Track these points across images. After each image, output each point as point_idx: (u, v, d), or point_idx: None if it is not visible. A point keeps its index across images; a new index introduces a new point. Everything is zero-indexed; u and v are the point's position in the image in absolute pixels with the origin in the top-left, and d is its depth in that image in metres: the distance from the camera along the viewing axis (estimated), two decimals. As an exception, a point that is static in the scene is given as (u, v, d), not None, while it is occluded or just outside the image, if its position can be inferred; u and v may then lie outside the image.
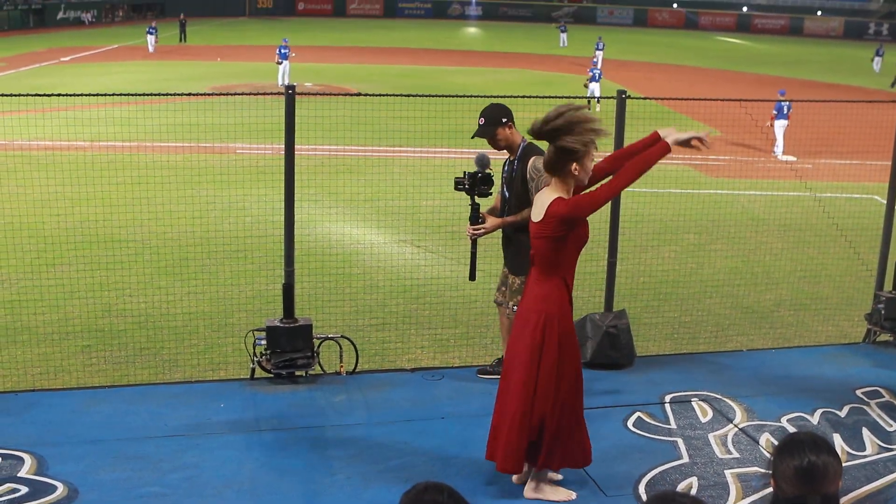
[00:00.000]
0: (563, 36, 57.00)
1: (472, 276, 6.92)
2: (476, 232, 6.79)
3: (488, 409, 5.74)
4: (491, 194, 6.81)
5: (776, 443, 6.34)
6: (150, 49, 44.59)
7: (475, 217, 6.79)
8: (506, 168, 7.06)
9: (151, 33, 45.44)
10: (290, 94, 6.74)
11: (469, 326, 9.76)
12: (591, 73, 30.40)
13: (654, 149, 5.17)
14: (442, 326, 9.81)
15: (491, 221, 6.86)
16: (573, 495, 5.58)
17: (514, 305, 6.87)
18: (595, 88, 29.65)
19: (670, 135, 5.27)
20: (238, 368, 8.36)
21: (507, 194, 7.01)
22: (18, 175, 16.79)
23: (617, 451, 6.17)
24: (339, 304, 10.40)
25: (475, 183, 6.67)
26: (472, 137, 6.97)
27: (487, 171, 6.69)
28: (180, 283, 11.15)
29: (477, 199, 6.74)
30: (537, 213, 5.18)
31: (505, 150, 7.01)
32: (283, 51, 31.96)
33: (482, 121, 6.89)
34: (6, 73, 34.05)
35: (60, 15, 69.04)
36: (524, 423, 5.27)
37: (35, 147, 18.85)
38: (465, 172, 6.72)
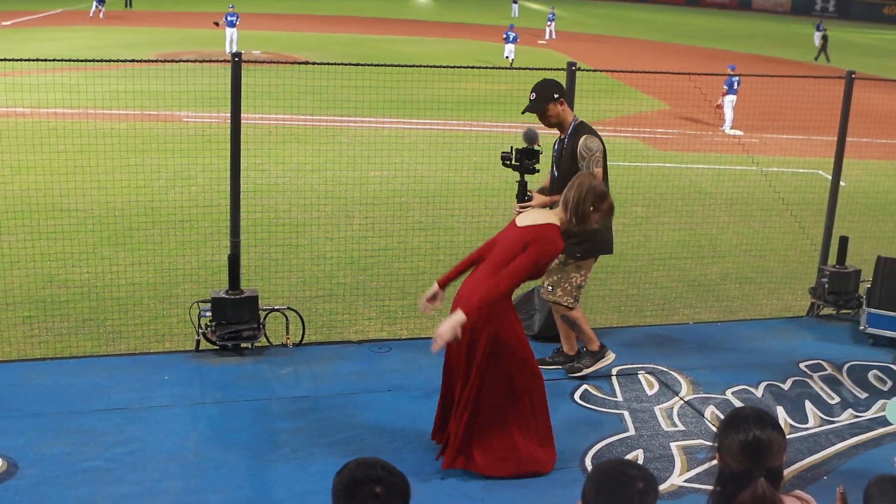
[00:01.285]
0: (515, 7, 57.17)
1: None
2: (523, 210, 6.37)
3: (435, 384, 5.72)
4: (537, 171, 6.58)
5: (721, 416, 6.43)
6: (91, 14, 43.22)
7: (522, 195, 6.54)
8: (556, 146, 6.86)
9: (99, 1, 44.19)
10: (237, 61, 6.62)
11: (417, 298, 9.72)
12: (505, 36, 33.80)
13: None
14: (390, 298, 9.77)
15: (538, 199, 6.55)
16: None
17: (549, 286, 6.84)
18: (510, 50, 33.37)
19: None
20: (183, 340, 8.26)
21: (556, 173, 6.79)
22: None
23: (564, 424, 6.18)
24: (286, 276, 10.31)
25: (522, 158, 6.47)
26: (523, 113, 6.71)
27: (536, 146, 6.47)
28: (125, 254, 10.99)
29: (526, 177, 6.54)
30: (538, 217, 5.40)
31: (556, 128, 6.78)
32: (229, 18, 31.52)
33: (533, 95, 6.63)
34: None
35: (1, -23, 67.26)
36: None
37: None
38: (511, 147, 6.54)
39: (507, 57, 33.27)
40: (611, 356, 7.02)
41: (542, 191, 6.88)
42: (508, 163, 6.56)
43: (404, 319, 9.18)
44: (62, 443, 5.64)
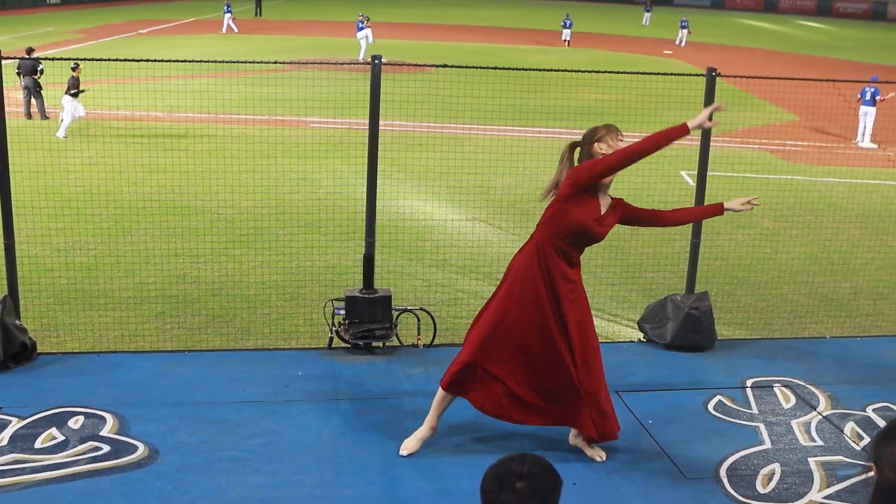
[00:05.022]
0: (647, 15, 57.06)
1: None
2: None
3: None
4: None
5: (862, 433, 6.20)
6: (224, 30, 43.60)
7: None
8: None
9: (228, 12, 45.04)
10: (377, 63, 6.67)
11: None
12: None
13: (674, 128, 5.27)
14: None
15: None
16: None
17: None
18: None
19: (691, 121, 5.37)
20: (309, 339, 8.39)
21: None
22: (97, 143, 17.07)
23: (697, 435, 6.06)
24: (409, 279, 10.38)
25: None
26: None
27: None
28: (253, 254, 11.22)
29: None
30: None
31: None
32: (360, 24, 32.24)
33: None
34: (85, 45, 34.56)
35: (142, -12, 69.81)
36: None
37: (113, 116, 19.13)
38: None
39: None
40: None
41: None
42: None
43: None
44: (200, 432, 5.77)
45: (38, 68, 19.83)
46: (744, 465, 5.71)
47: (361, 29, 32.46)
